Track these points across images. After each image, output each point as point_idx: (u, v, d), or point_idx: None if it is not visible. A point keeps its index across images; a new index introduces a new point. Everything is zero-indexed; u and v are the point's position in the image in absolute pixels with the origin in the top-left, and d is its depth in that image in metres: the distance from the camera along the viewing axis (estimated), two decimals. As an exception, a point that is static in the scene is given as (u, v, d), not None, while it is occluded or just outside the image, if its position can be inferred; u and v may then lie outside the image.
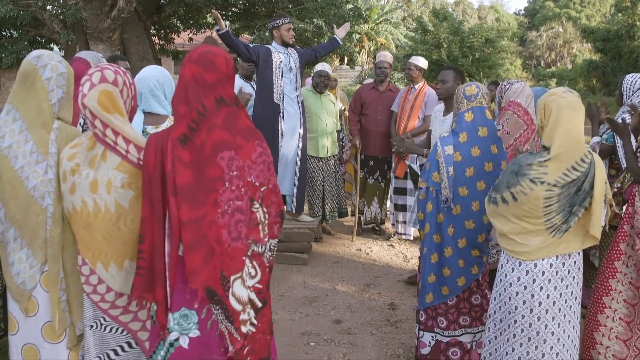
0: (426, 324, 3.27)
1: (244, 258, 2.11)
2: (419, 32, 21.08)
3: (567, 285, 2.62)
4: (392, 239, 6.38)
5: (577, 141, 2.54)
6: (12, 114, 2.29)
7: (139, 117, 2.84)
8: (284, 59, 5.43)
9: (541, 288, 2.59)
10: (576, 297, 2.67)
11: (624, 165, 3.42)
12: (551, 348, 2.62)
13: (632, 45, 23.61)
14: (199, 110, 2.06)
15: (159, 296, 2.08)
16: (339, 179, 6.32)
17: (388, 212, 6.75)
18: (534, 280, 2.59)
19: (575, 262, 2.65)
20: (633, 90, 3.67)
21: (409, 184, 6.01)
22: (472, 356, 3.23)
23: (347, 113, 7.39)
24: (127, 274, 2.19)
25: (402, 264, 5.64)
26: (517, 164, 2.57)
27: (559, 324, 2.62)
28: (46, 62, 2.30)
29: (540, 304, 2.59)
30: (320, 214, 6.09)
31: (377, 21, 31.39)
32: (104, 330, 2.23)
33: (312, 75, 6.16)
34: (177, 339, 2.05)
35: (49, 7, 9.54)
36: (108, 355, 2.25)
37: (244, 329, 2.13)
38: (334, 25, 5.77)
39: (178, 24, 13.18)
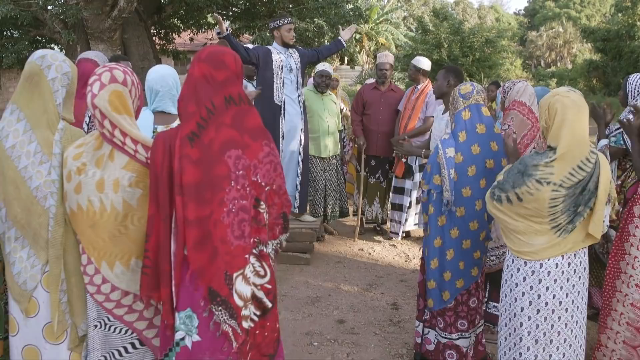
0: (430, 322, 3.29)
1: (246, 256, 2.12)
2: (420, 32, 21.08)
3: (574, 285, 2.62)
4: (394, 239, 6.38)
5: (583, 141, 2.53)
6: (17, 114, 2.28)
7: (149, 116, 2.84)
8: (284, 60, 5.42)
9: (547, 288, 2.58)
10: (582, 297, 2.66)
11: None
12: (557, 348, 2.61)
13: (633, 45, 23.58)
14: (209, 108, 2.07)
15: (164, 295, 2.08)
16: (341, 179, 6.32)
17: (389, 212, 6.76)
18: (539, 281, 2.59)
19: (580, 261, 2.65)
20: (639, 91, 3.66)
21: (407, 184, 6.05)
22: None
23: (347, 113, 7.38)
24: (134, 272, 2.19)
25: (405, 263, 5.64)
26: (523, 163, 2.56)
27: (565, 324, 2.61)
28: (50, 62, 2.30)
29: (546, 304, 2.59)
30: (322, 213, 6.09)
31: (378, 21, 31.38)
32: (109, 330, 2.23)
33: (313, 75, 6.16)
34: (182, 338, 2.06)
35: (49, 7, 9.52)
36: (113, 355, 2.24)
37: (245, 325, 2.14)
38: (340, 27, 5.72)
39: (179, 24, 13.16)
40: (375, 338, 3.94)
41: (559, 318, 2.60)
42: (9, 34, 11.07)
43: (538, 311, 2.60)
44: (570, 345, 2.64)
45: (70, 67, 2.36)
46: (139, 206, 2.16)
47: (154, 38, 11.80)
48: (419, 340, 3.40)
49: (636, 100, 3.65)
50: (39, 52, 2.34)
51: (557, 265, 2.58)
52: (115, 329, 2.23)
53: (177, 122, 2.88)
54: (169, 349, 2.13)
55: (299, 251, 5.48)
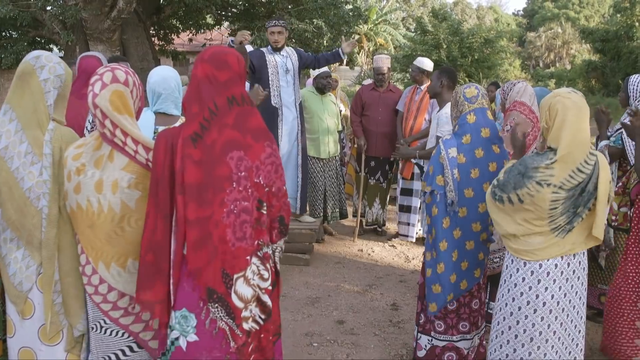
0: (424, 327, 3.26)
1: (248, 257, 2.12)
2: (419, 32, 21.07)
3: (572, 286, 2.62)
4: (393, 239, 6.38)
5: (583, 142, 2.53)
6: (9, 114, 2.27)
7: (150, 117, 2.84)
8: (279, 61, 5.41)
9: (546, 288, 2.59)
10: (581, 298, 2.66)
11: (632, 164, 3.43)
12: (552, 347, 2.62)
13: (631, 46, 23.60)
14: (211, 109, 2.07)
15: (161, 294, 2.08)
16: (340, 180, 6.31)
17: (390, 213, 6.75)
18: (538, 281, 2.59)
19: (580, 262, 2.65)
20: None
21: (416, 185, 5.98)
22: None
23: (346, 113, 7.38)
24: (130, 274, 2.19)
25: (404, 264, 5.64)
26: (524, 165, 2.56)
27: (561, 324, 2.62)
28: (44, 63, 2.29)
29: (544, 304, 2.59)
30: (322, 214, 6.09)
31: (377, 22, 31.38)
32: (104, 333, 2.22)
33: (314, 77, 6.12)
34: (177, 338, 2.06)
35: (48, 7, 9.52)
36: (110, 358, 2.24)
37: (246, 326, 2.13)
38: (343, 38, 5.66)
39: (178, 25, 13.16)
40: (374, 339, 3.94)
41: (556, 318, 2.60)
42: (8, 35, 11.06)
43: (535, 310, 2.60)
44: (567, 346, 2.65)
45: (64, 69, 2.35)
46: (136, 208, 2.15)
47: (153, 39, 11.80)
48: (414, 344, 3.39)
49: (637, 101, 3.66)
50: (34, 53, 2.34)
51: (556, 265, 2.59)
52: (111, 331, 2.22)
53: (178, 123, 2.88)
54: (162, 353, 2.13)
55: (298, 252, 5.48)
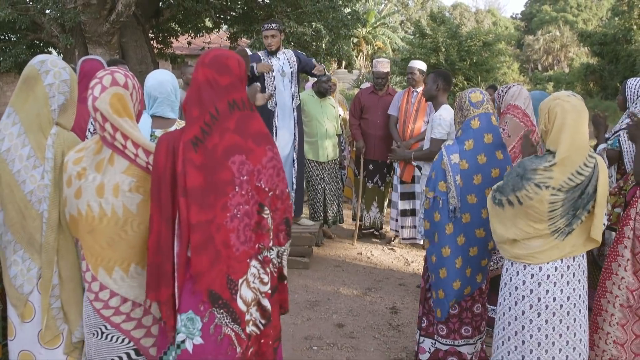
0: (427, 330, 3.26)
1: (248, 260, 2.12)
2: (417, 35, 21.06)
3: (574, 289, 2.62)
4: (392, 242, 6.37)
5: (582, 145, 2.54)
6: (12, 117, 2.28)
7: (147, 120, 2.84)
8: (275, 64, 5.41)
9: (547, 291, 2.59)
10: (584, 300, 2.67)
11: (629, 168, 3.43)
12: (560, 350, 2.62)
13: (629, 49, 23.63)
14: (212, 113, 2.07)
15: (164, 296, 2.07)
16: (339, 183, 6.31)
17: (386, 216, 6.73)
18: (539, 284, 2.59)
19: (579, 264, 2.65)
20: (638, 95, 3.67)
21: (417, 188, 5.88)
22: None
23: (345, 117, 7.38)
24: (132, 278, 2.18)
25: (403, 267, 5.63)
26: (522, 167, 2.56)
27: (567, 327, 2.61)
28: (49, 68, 2.29)
29: (547, 307, 2.59)
30: (322, 218, 6.08)
31: (375, 25, 31.46)
32: (105, 339, 2.20)
33: (316, 81, 6.11)
34: (183, 341, 2.05)
35: (47, 11, 9.50)
36: None
37: (247, 329, 2.13)
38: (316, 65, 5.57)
39: (176, 28, 13.16)
40: (374, 342, 3.93)
41: (561, 321, 2.60)
42: (7, 38, 11.05)
43: (539, 314, 2.60)
44: (574, 348, 2.64)
45: (70, 75, 2.35)
46: (138, 212, 2.14)
47: (151, 42, 11.79)
48: (416, 347, 3.39)
49: (635, 104, 3.67)
50: (40, 57, 2.34)
51: (556, 268, 2.59)
52: (112, 337, 2.20)
53: (174, 126, 2.88)
54: (163, 352, 2.12)
55: (297, 255, 5.47)
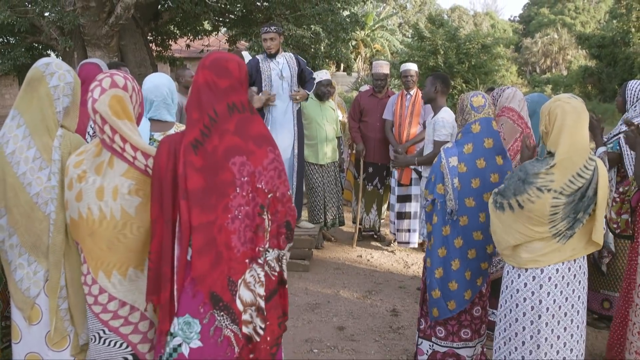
0: (425, 332, 3.26)
1: (247, 260, 2.11)
2: (416, 38, 21.09)
3: (574, 290, 2.62)
4: (392, 245, 6.36)
5: (582, 147, 2.54)
6: (17, 119, 2.28)
7: (145, 123, 2.84)
8: (274, 67, 5.42)
9: (548, 294, 2.59)
10: (583, 302, 2.67)
11: (630, 172, 3.43)
12: (557, 352, 2.62)
13: (627, 52, 23.70)
14: (211, 115, 2.06)
15: (163, 299, 2.07)
16: (339, 186, 6.31)
17: (384, 219, 6.73)
18: (541, 286, 2.59)
19: (580, 266, 2.66)
20: (637, 97, 3.68)
21: (414, 190, 5.89)
22: None
23: (344, 119, 7.37)
24: (131, 282, 2.17)
25: (403, 270, 5.63)
26: (524, 171, 2.57)
27: (565, 328, 2.62)
28: (54, 70, 2.30)
29: (547, 309, 2.59)
30: (322, 220, 6.08)
31: (373, 28, 31.49)
32: (103, 343, 2.19)
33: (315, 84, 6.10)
34: (180, 345, 2.04)
35: (46, 13, 9.50)
36: None
37: (245, 330, 2.12)
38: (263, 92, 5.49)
39: (175, 31, 13.16)
40: (375, 345, 3.93)
41: (558, 322, 2.61)
42: (6, 41, 11.05)
43: (540, 316, 2.60)
44: (572, 350, 2.64)
45: (74, 78, 2.36)
46: (137, 215, 2.14)
47: (150, 45, 11.79)
48: (415, 349, 3.38)
49: (634, 107, 3.67)
50: (45, 59, 2.35)
51: (557, 270, 2.59)
52: (110, 342, 2.19)
53: (173, 130, 2.88)
54: (159, 357, 2.11)
55: (297, 258, 5.46)
